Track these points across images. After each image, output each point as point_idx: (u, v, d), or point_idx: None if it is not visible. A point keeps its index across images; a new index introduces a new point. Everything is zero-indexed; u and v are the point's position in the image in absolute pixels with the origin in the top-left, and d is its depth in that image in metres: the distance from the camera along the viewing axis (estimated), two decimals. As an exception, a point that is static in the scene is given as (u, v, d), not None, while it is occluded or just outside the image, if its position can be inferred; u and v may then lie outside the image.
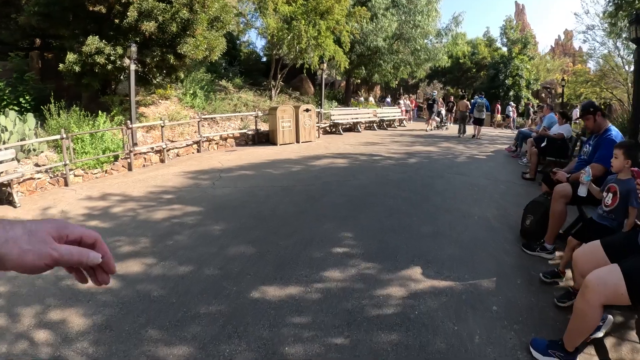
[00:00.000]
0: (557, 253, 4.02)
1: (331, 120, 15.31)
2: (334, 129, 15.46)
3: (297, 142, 12.30)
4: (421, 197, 6.18)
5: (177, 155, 10.11)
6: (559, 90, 27.66)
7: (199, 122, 10.70)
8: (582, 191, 3.51)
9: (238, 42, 24.80)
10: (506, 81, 28.53)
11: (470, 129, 16.38)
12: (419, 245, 4.22)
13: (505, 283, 3.41)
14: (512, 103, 24.37)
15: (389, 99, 28.26)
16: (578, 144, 7.97)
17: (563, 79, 19.03)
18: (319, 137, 13.86)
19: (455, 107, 20.06)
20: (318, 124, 14.13)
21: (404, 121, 20.33)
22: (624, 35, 12.35)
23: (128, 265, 3.75)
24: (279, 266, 3.69)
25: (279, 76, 19.06)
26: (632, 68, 17.93)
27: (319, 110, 14.52)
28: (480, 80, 32.71)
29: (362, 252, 4.04)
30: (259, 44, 47.97)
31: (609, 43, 16.44)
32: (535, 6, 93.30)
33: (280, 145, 11.70)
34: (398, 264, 3.75)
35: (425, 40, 22.86)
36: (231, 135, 11.93)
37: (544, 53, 35.30)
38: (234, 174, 7.91)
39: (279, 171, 8.09)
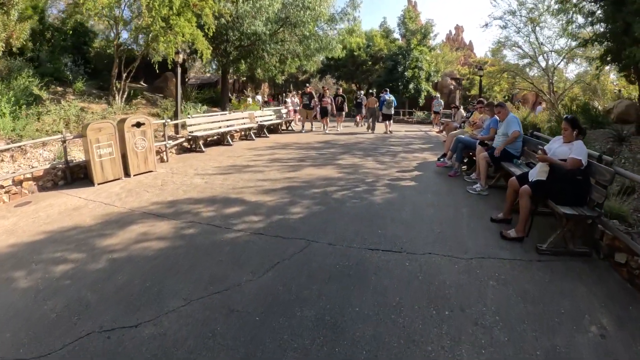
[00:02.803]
0: None
1: (188, 132, 10.46)
2: (193, 145, 10.60)
3: (128, 175, 7.34)
4: None
5: None
6: (463, 82, 25.94)
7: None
8: None
9: (102, 37, 18.96)
10: (405, 73, 26.05)
11: (381, 127, 15.95)
12: None
13: None
14: (438, 95, 21.37)
15: (259, 96, 24.04)
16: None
17: (481, 68, 16.45)
18: (167, 160, 8.97)
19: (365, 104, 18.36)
20: (165, 142, 9.16)
21: (292, 123, 16.09)
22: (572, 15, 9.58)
23: None
24: None
25: (125, 75, 13.50)
26: (554, 56, 16.45)
27: (165, 120, 9.46)
28: (376, 73, 30.04)
29: None
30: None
31: (524, 29, 14.21)
32: (427, 1, 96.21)
33: (98, 185, 6.68)
34: None
35: (316, 28, 18.97)
36: (30, 176, 6.48)
37: (436, 45, 33.88)
38: None
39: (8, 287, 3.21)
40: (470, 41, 49.95)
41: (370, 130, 15.52)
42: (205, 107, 16.43)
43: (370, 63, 30.66)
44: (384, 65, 28.68)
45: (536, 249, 3.99)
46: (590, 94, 19.92)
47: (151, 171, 7.79)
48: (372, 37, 31.15)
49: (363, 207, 5.11)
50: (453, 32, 49.96)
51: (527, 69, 16.94)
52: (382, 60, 29.50)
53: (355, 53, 29.63)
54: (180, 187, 6.44)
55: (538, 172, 4.18)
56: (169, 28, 11.97)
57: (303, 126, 15.84)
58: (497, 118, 6.78)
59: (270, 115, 14.29)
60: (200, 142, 10.46)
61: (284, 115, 15.42)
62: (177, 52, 12.18)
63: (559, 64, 16.15)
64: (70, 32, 15.02)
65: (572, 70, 17.89)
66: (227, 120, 12.24)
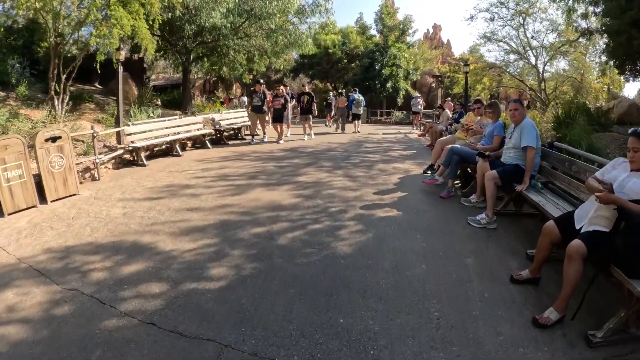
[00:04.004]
0: None
1: (129, 142, 8.64)
2: (135, 157, 8.76)
3: (44, 201, 5.67)
4: None
5: None
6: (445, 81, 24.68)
7: None
8: None
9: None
10: (383, 71, 24.55)
11: (351, 127, 15.51)
12: None
13: None
14: (417, 94, 19.75)
15: (244, 97, 22.14)
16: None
17: (467, 64, 14.99)
18: (98, 178, 7.13)
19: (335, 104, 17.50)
20: (95, 158, 7.26)
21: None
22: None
23: None
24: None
25: (65, 77, 11.38)
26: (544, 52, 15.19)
27: (93, 131, 7.52)
28: (352, 71, 28.49)
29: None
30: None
31: (513, 22, 12.95)
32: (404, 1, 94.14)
33: (8, 215, 5.06)
34: None
35: (292, 21, 17.25)
36: None
37: (415, 42, 32.57)
38: None
39: None
40: (448, 40, 49.18)
41: (339, 130, 15.12)
42: (160, 111, 14.47)
43: (345, 61, 29.12)
44: (360, 63, 27.15)
45: (586, 339, 2.45)
46: (575, 92, 18.88)
47: (74, 194, 6.04)
48: (348, 33, 29.62)
49: (320, 265, 3.42)
50: (431, 30, 48.91)
51: (514, 66, 15.63)
52: (359, 57, 27.99)
53: (330, 50, 28.06)
54: (92, 221, 4.71)
55: (593, 217, 2.61)
56: (104, 19, 10.15)
57: (263, 135, 11.84)
58: (503, 123, 5.26)
59: (228, 119, 12.23)
60: (142, 154, 8.63)
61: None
62: (119, 49, 10.35)
63: (549, 60, 14.90)
64: (22, 31, 13.02)
65: (562, 67, 16.74)
66: (177, 126, 10.42)
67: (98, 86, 19.10)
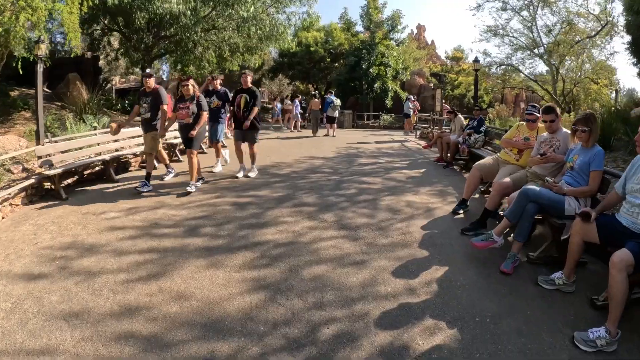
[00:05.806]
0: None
1: (45, 167, 6.14)
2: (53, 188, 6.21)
3: None
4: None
5: None
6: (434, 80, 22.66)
7: None
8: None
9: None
10: (370, 70, 22.33)
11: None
12: None
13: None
14: (411, 97, 17.73)
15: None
16: None
17: (477, 60, 12.80)
18: None
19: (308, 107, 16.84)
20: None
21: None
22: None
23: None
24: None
25: None
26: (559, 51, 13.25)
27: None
28: (336, 71, 26.21)
29: None
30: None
31: (526, 13, 11.21)
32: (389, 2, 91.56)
33: None
34: None
35: (268, 12, 14.82)
36: None
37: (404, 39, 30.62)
38: None
39: None
40: (432, 40, 47.68)
41: (312, 134, 14.81)
42: (107, 119, 11.77)
43: (329, 60, 26.85)
44: (345, 61, 24.86)
45: None
46: (584, 95, 17.12)
47: None
48: (331, 30, 27.36)
49: None
50: (415, 31, 47.30)
51: (524, 64, 13.69)
52: (343, 56, 25.74)
53: (312, 49, 25.78)
54: None
55: None
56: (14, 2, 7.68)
57: (167, 171, 6.95)
58: (591, 148, 3.04)
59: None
60: (59, 185, 6.05)
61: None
62: (38, 42, 7.89)
63: (565, 56, 12.94)
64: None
65: (576, 66, 14.79)
66: (115, 140, 7.88)
67: (47, 90, 16.37)
